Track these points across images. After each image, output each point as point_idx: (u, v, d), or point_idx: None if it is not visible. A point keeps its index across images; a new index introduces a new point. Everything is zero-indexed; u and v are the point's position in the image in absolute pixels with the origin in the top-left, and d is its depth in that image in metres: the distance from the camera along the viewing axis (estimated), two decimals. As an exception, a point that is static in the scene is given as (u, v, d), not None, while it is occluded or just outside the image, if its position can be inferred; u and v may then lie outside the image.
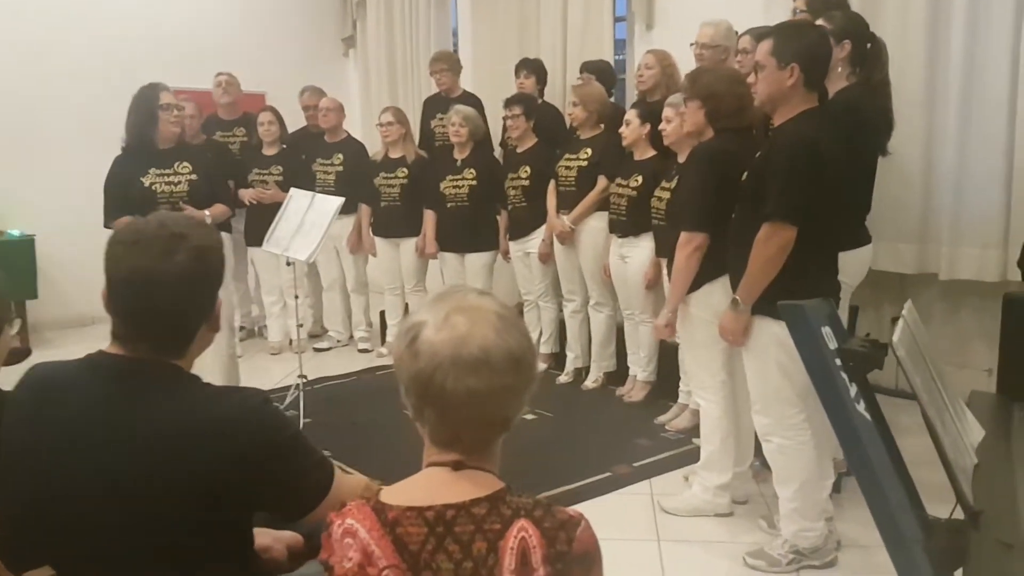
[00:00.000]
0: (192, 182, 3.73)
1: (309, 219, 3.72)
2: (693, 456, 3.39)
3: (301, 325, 4.22)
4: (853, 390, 1.65)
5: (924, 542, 1.47)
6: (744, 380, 2.81)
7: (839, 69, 3.07)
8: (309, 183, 5.35)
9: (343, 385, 4.86)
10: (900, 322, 1.59)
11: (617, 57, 5.71)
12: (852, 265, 3.03)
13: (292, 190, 4.10)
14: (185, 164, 3.76)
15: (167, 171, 3.72)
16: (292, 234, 3.75)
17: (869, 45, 3.11)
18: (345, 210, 5.36)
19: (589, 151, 4.48)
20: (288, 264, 3.87)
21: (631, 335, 4.46)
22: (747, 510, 3.17)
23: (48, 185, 5.94)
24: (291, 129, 5.78)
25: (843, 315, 3.09)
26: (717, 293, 2.89)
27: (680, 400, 4.10)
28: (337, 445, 3.80)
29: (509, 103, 4.82)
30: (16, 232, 5.69)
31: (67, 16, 6.10)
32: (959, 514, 1.49)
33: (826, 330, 1.70)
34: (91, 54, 6.12)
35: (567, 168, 4.54)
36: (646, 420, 4.13)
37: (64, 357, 1.41)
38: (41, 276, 5.79)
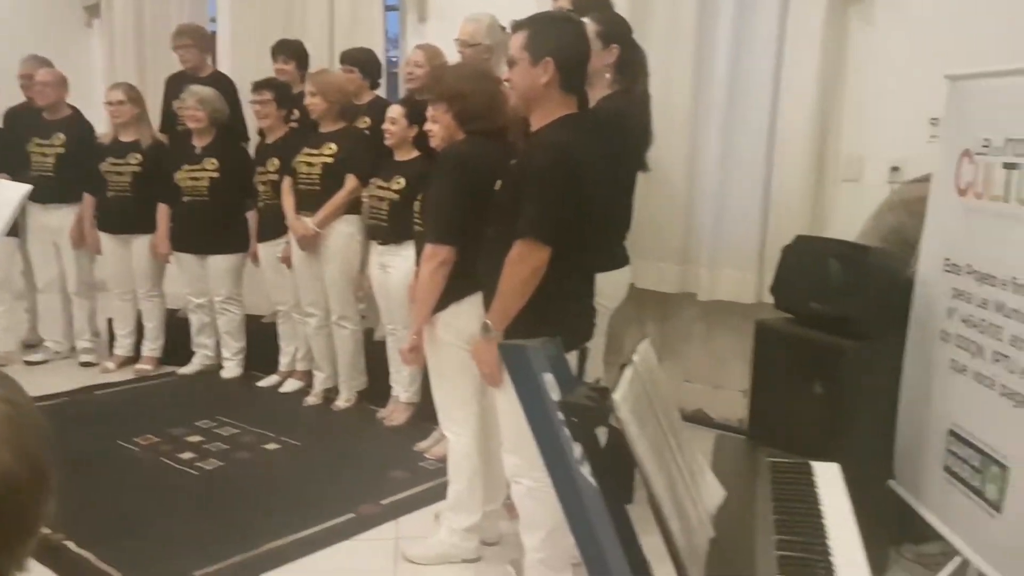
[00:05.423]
0: None
1: (-14, 210, 3.00)
2: (449, 489, 3.06)
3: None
4: (578, 450, 1.36)
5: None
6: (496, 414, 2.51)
7: (607, 75, 2.87)
8: (23, 166, 4.55)
9: (50, 408, 4.06)
10: (628, 371, 1.31)
11: (391, 53, 5.32)
12: (610, 287, 2.82)
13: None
14: None
15: None
16: (-37, 228, 3.01)
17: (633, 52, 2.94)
18: (68, 199, 4.65)
19: (334, 147, 4.02)
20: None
21: (394, 352, 4.07)
22: (497, 553, 2.88)
23: None
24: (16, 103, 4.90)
25: (601, 340, 2.93)
26: (465, 314, 2.56)
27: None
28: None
29: (258, 87, 4.30)
30: None
31: None
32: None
33: (548, 377, 1.40)
34: None
35: (308, 164, 4.06)
36: (405, 447, 3.75)
37: None
38: None
